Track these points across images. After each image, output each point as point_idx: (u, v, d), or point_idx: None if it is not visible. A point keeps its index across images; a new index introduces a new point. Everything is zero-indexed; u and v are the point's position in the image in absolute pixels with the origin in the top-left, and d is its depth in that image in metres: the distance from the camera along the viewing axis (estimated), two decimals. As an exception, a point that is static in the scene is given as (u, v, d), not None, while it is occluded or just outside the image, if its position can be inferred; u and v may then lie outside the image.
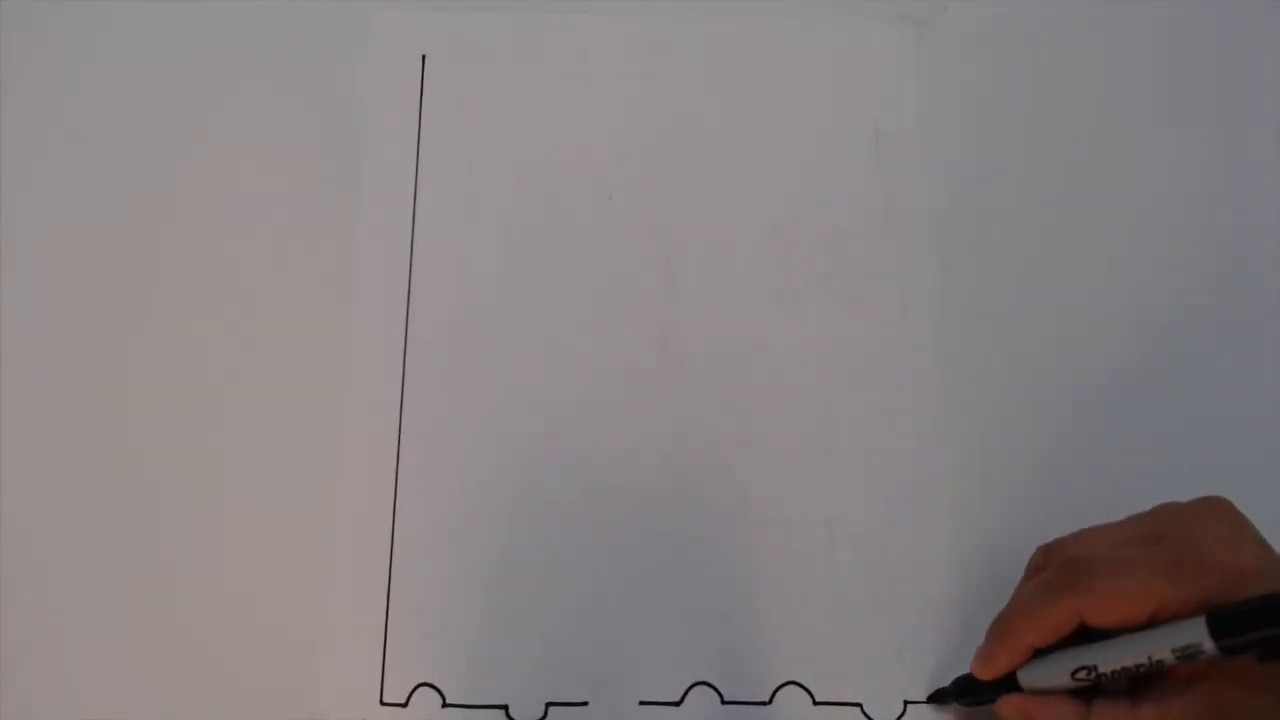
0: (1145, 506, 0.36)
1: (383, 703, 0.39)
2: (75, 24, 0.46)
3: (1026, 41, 0.47)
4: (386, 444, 0.42)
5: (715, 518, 0.41)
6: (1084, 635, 0.34)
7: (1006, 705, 0.36)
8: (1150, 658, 0.32)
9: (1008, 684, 0.36)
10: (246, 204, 0.44)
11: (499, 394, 0.42)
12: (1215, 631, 0.30)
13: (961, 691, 0.38)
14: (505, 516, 0.41)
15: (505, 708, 0.39)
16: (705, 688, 0.39)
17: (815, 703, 0.39)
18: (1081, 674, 0.34)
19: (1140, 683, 0.34)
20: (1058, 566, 0.35)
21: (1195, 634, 0.31)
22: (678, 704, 0.39)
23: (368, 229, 0.44)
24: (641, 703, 0.39)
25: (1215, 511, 0.34)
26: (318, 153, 0.45)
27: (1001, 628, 0.36)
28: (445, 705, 0.39)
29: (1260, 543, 0.33)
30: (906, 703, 0.39)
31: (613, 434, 0.42)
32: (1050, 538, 0.38)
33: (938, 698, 0.39)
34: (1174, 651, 0.31)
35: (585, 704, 0.39)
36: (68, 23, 0.47)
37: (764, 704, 0.39)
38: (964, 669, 0.38)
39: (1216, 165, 0.45)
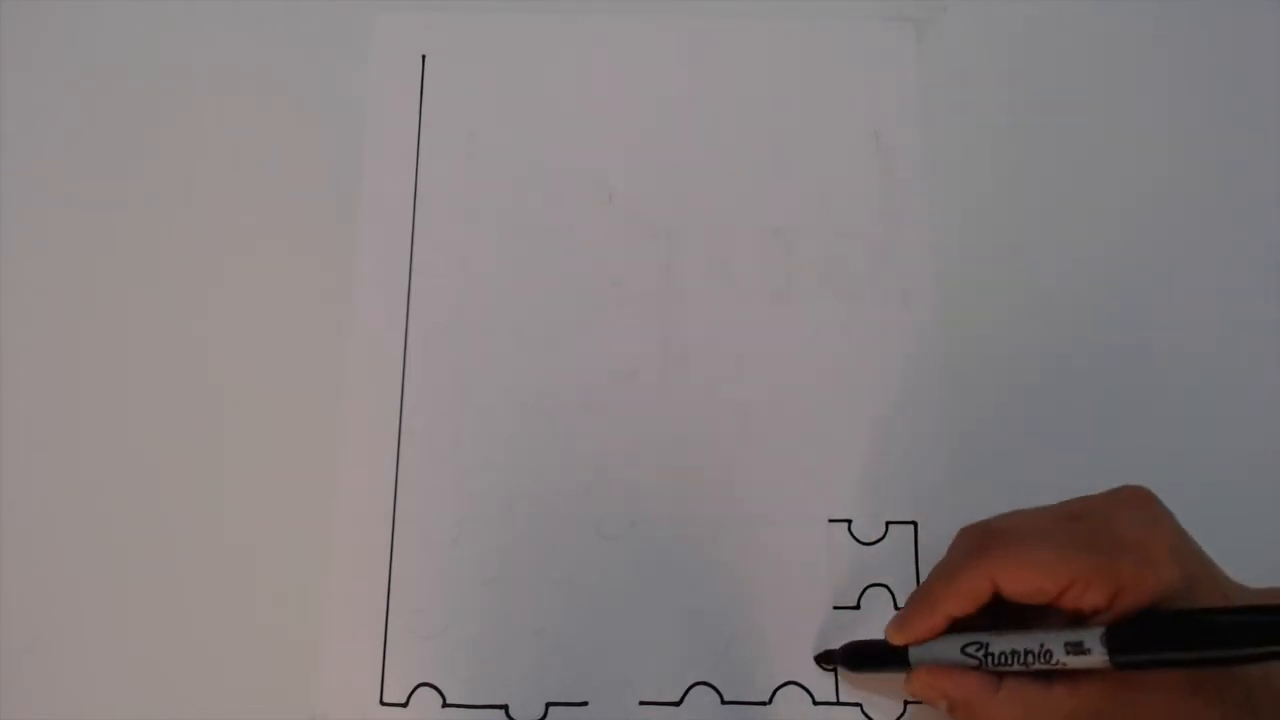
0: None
1: (383, 703, 0.39)
2: (75, 24, 0.47)
3: (1026, 41, 0.47)
4: (386, 444, 0.42)
5: (715, 518, 0.41)
6: (999, 615, 0.34)
7: (918, 678, 0.36)
8: (1042, 645, 0.33)
9: (898, 658, 0.36)
10: (247, 204, 0.44)
11: (499, 394, 0.42)
12: (1112, 647, 0.31)
13: (851, 657, 0.38)
14: (505, 516, 0.41)
15: (505, 708, 0.39)
16: (705, 688, 0.39)
17: (815, 703, 0.39)
18: (971, 648, 0.34)
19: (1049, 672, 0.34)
20: (975, 535, 0.35)
21: (1090, 640, 0.32)
22: (678, 704, 0.39)
23: (368, 229, 0.44)
24: (641, 703, 0.39)
25: (1134, 499, 0.35)
26: (318, 152, 0.45)
27: (920, 595, 0.36)
28: (445, 705, 0.39)
29: (1177, 532, 0.33)
30: (906, 703, 0.39)
31: (613, 434, 0.42)
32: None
33: (825, 659, 0.39)
34: (1067, 646, 0.32)
35: (585, 704, 0.39)
36: (68, 23, 0.47)
37: (764, 704, 0.39)
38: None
39: (1217, 163, 0.45)
